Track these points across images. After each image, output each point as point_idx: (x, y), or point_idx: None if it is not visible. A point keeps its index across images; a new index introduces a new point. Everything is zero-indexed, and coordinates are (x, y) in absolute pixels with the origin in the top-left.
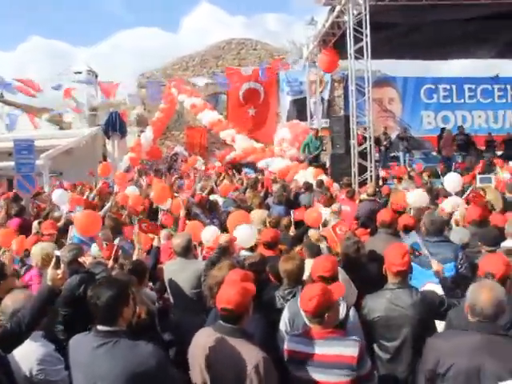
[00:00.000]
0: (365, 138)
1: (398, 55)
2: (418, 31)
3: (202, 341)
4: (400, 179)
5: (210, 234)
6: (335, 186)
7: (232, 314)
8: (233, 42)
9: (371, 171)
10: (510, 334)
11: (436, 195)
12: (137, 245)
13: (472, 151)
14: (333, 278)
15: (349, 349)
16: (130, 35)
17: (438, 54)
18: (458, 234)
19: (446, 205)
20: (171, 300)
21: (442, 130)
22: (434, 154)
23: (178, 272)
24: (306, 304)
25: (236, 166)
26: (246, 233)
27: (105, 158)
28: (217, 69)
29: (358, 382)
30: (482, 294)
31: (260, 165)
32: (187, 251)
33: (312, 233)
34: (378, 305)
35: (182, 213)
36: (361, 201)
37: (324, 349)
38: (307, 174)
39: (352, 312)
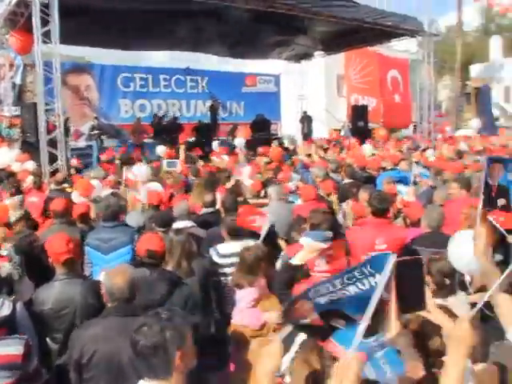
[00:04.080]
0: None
1: (94, 42)
2: (118, 20)
3: None
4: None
5: None
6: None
7: None
8: None
9: (62, 160)
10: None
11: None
12: None
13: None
14: None
15: (11, 347)
16: None
17: (136, 44)
18: (134, 218)
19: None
20: None
21: (155, 116)
22: (131, 141)
23: None
24: None
25: None
26: None
27: None
28: None
29: (23, 381)
30: (115, 279)
31: None
32: None
33: None
34: (47, 296)
35: None
36: (51, 191)
37: None
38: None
39: (19, 307)
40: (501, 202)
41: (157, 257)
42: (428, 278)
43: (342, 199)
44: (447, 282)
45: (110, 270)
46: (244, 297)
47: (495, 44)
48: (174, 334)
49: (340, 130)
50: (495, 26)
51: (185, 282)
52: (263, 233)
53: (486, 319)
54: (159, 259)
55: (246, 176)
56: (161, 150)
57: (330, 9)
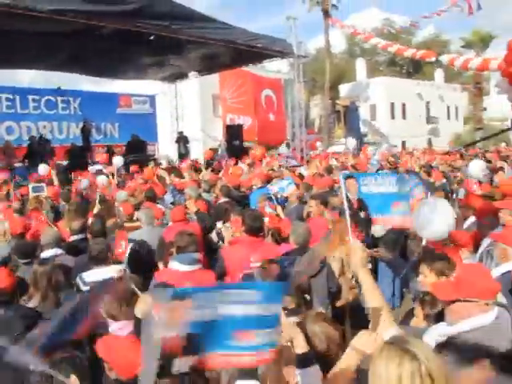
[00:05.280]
0: None
1: None
2: None
3: None
4: None
5: None
6: None
7: None
8: None
9: None
10: None
11: None
12: None
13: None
14: None
15: None
16: None
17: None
18: None
19: None
20: None
21: (33, 138)
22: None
23: None
24: None
25: None
26: None
27: None
28: None
29: None
30: None
31: None
32: None
33: None
34: None
35: None
36: None
37: None
38: None
39: None
40: (363, 214)
41: (6, 293)
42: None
43: (218, 218)
44: (307, 297)
45: None
46: (121, 329)
47: (360, 65)
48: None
49: (217, 150)
50: (359, 50)
51: (48, 317)
52: (125, 259)
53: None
54: (10, 295)
55: (120, 200)
56: (44, 169)
57: (202, 30)
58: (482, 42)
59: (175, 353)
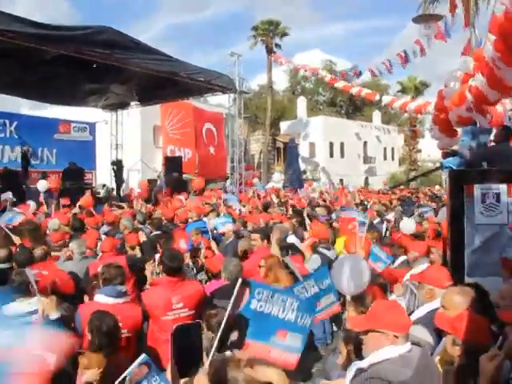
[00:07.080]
0: None
1: None
2: None
3: None
4: None
5: None
6: None
7: None
8: None
9: None
10: None
11: None
12: None
13: None
14: None
15: None
16: None
17: None
18: None
19: None
20: None
21: None
22: None
23: None
24: None
25: None
26: None
27: None
28: None
29: None
30: None
31: None
32: None
33: None
34: None
35: None
36: None
37: None
38: None
39: None
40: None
41: None
42: (207, 332)
43: (150, 251)
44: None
45: None
46: None
47: (301, 104)
48: None
49: (156, 181)
50: (301, 88)
51: None
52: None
53: None
54: None
55: (51, 228)
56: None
57: (146, 61)
58: (416, 88)
59: None
